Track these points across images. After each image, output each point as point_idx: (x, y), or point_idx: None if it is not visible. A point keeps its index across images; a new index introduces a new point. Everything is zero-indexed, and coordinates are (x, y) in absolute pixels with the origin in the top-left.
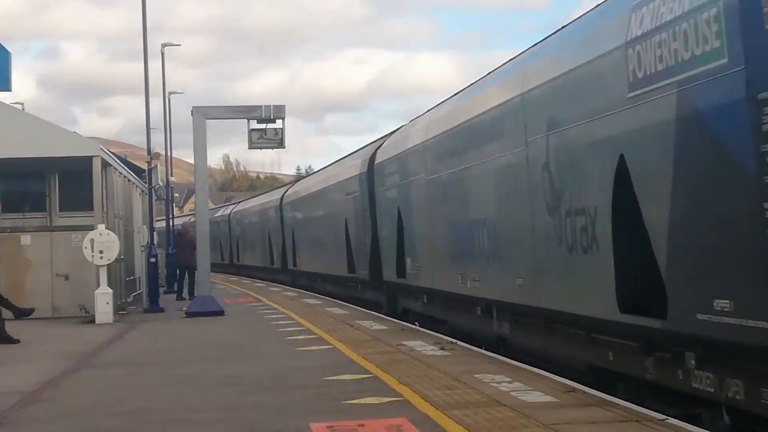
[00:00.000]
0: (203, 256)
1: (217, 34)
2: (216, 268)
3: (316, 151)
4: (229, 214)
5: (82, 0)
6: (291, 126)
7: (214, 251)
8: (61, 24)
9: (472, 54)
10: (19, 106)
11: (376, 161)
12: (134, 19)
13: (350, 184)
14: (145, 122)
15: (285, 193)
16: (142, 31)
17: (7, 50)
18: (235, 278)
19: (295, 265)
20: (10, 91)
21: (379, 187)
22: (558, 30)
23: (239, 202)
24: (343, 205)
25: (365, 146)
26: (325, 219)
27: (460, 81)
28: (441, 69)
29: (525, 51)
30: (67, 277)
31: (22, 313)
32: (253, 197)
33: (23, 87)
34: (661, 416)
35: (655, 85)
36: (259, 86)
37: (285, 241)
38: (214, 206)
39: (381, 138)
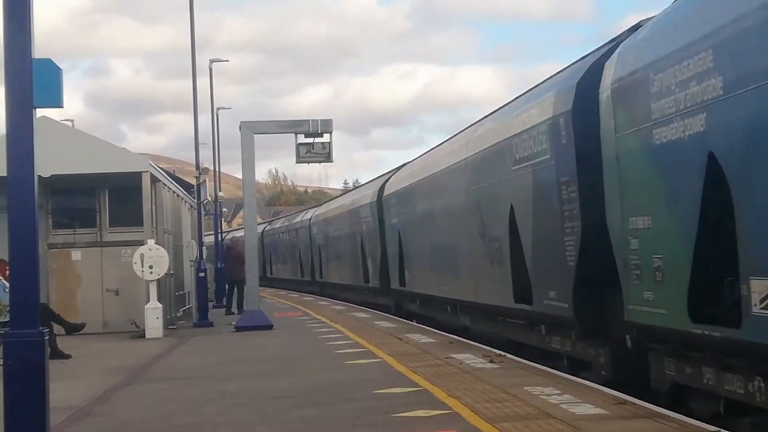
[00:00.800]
0: (251, 270)
1: (262, 50)
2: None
3: (363, 166)
4: (261, 232)
5: (130, 18)
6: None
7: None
8: (109, 42)
9: (516, 66)
10: (69, 123)
11: (384, 193)
12: (180, 37)
13: (364, 210)
14: (192, 138)
15: (313, 214)
16: (187, 49)
17: (58, 67)
18: (282, 291)
19: (321, 277)
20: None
21: (385, 213)
22: (492, 112)
23: (270, 221)
24: (359, 227)
25: (378, 177)
26: (345, 238)
27: (504, 93)
28: (485, 82)
29: (472, 125)
30: (117, 292)
31: (73, 329)
32: (285, 216)
33: (71, 104)
34: (713, 428)
35: (523, 164)
36: (305, 101)
37: (313, 257)
38: (261, 221)
39: (391, 171)
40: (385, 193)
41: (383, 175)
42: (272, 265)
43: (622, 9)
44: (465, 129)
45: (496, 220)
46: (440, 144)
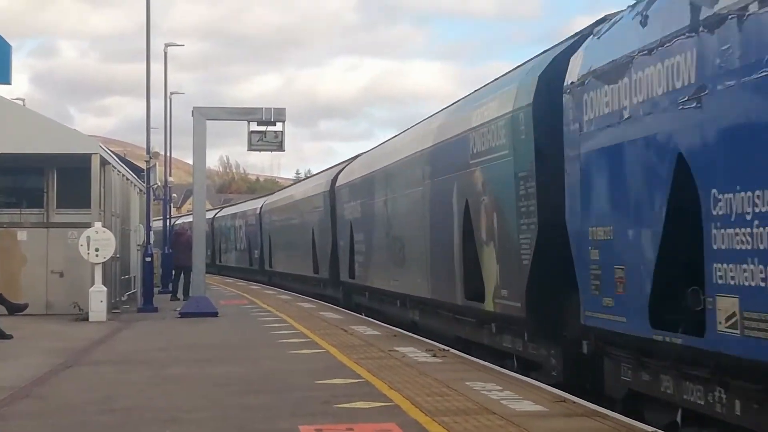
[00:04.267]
0: (199, 257)
1: (211, 37)
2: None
3: (312, 156)
4: (211, 219)
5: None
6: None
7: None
8: (57, 22)
9: (465, 63)
10: (20, 102)
11: (336, 184)
12: (128, 20)
13: (316, 201)
14: (143, 121)
15: (264, 202)
16: (135, 32)
17: (8, 43)
18: (230, 279)
19: (270, 266)
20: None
21: (337, 204)
22: (447, 106)
23: (220, 209)
24: (310, 217)
25: (331, 168)
26: (296, 228)
27: (453, 89)
28: (434, 77)
29: (431, 116)
30: (62, 274)
31: (15, 309)
32: (234, 204)
33: (17, 83)
34: (650, 428)
35: (481, 159)
36: (254, 90)
37: (262, 245)
38: (212, 207)
39: (343, 162)
40: (338, 183)
41: (336, 165)
42: (221, 252)
43: (570, 8)
44: (421, 121)
45: (451, 215)
46: (395, 135)
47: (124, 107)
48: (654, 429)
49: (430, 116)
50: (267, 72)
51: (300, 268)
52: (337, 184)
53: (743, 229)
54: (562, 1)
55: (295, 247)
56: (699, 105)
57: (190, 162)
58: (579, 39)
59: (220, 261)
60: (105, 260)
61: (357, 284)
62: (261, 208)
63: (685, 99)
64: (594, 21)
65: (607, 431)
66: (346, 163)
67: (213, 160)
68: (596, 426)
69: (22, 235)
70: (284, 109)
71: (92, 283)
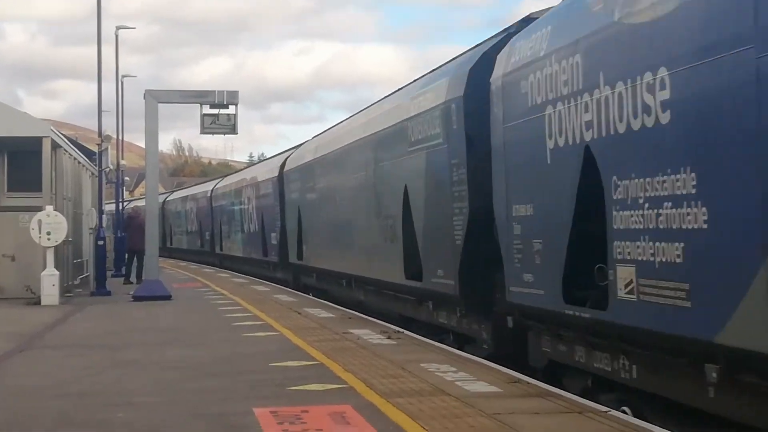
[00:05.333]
0: (151, 240)
1: (159, 20)
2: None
3: (264, 140)
4: (162, 202)
5: None
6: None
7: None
8: (3, 6)
9: (415, 47)
10: None
11: (285, 169)
12: (75, 3)
13: (265, 185)
14: (94, 105)
15: (215, 186)
16: (83, 16)
17: None
18: (183, 263)
19: (221, 249)
20: None
21: (286, 189)
22: (390, 93)
23: (171, 192)
24: (260, 201)
25: (281, 153)
26: (246, 211)
27: (405, 72)
28: (385, 61)
29: (372, 105)
30: (13, 258)
31: None
32: (186, 188)
33: None
34: (604, 408)
35: (417, 146)
36: (203, 74)
37: (213, 228)
38: (164, 191)
39: (293, 148)
40: (286, 168)
41: (286, 150)
42: (173, 235)
43: None
44: (364, 109)
45: (391, 200)
46: (341, 122)
47: (75, 90)
48: (606, 409)
49: (371, 105)
50: (216, 56)
51: (250, 250)
52: (286, 169)
53: (637, 212)
54: None
55: (245, 231)
56: (599, 104)
57: (143, 145)
58: (506, 36)
59: (171, 244)
60: (57, 244)
61: (305, 266)
62: (212, 191)
63: (588, 98)
64: (521, 18)
65: (561, 411)
66: (294, 149)
67: (166, 144)
68: (550, 406)
69: None
70: (237, 92)
71: (44, 267)
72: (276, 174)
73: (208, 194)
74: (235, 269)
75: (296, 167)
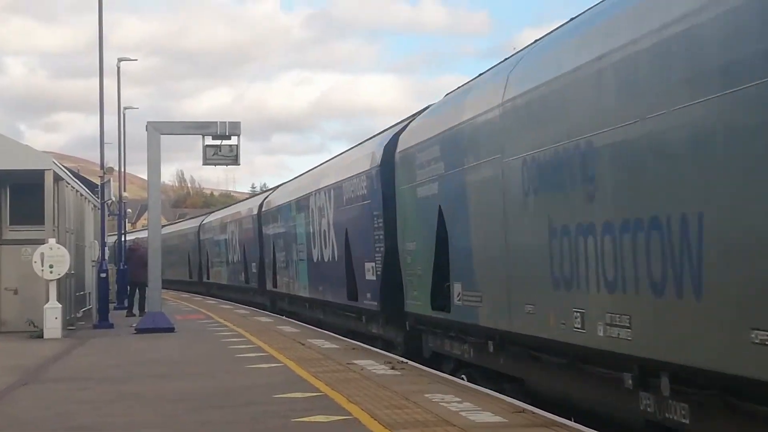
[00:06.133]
0: (154, 272)
1: (160, 52)
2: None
3: (266, 170)
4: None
5: (25, 17)
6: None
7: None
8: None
9: (416, 77)
10: None
11: (263, 209)
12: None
13: (246, 222)
14: (96, 137)
15: (202, 222)
16: (84, 49)
17: None
18: (173, 292)
19: (208, 278)
20: None
21: (263, 226)
22: (331, 158)
23: (164, 226)
24: (242, 235)
25: (260, 193)
26: (230, 244)
27: (405, 102)
28: (385, 91)
29: (323, 163)
30: (16, 291)
31: None
32: (174, 223)
33: None
34: None
35: (354, 201)
36: (204, 105)
37: (201, 260)
38: (167, 222)
39: (270, 190)
40: (264, 208)
41: (264, 191)
42: (165, 267)
43: (517, 22)
44: (319, 165)
45: (337, 240)
46: (303, 173)
47: (76, 123)
48: None
49: (323, 163)
50: (217, 87)
51: (234, 279)
52: (263, 209)
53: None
54: (509, 16)
55: (229, 262)
56: (443, 180)
57: (145, 177)
58: (411, 120)
59: (163, 275)
60: (59, 277)
61: (279, 292)
62: (199, 227)
63: (439, 176)
64: (424, 107)
65: None
66: (271, 191)
67: (168, 175)
68: None
69: None
70: (239, 122)
71: (47, 300)
72: (255, 212)
73: (196, 229)
74: (220, 296)
75: (269, 209)
